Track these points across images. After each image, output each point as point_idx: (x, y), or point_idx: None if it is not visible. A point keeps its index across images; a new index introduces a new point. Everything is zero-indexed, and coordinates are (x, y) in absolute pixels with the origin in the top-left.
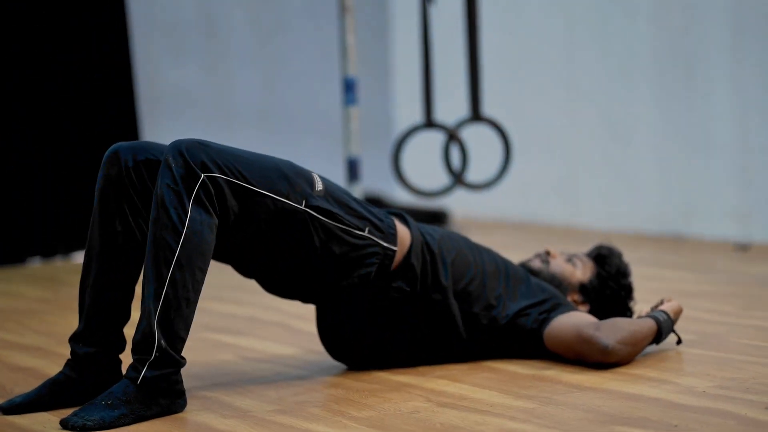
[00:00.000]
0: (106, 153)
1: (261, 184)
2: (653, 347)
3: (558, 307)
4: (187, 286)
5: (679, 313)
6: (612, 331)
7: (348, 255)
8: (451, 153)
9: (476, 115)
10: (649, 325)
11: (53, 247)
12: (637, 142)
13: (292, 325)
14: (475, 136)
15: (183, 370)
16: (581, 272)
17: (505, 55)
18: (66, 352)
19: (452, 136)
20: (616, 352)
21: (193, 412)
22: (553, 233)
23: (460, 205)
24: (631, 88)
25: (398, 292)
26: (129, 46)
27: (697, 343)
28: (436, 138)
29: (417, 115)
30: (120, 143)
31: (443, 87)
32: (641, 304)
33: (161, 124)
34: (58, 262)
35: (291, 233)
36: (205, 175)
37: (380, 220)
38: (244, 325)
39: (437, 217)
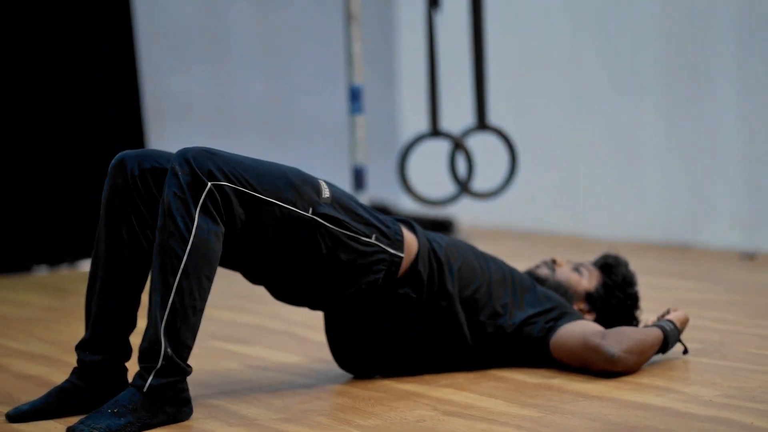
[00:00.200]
0: (112, 161)
1: (268, 191)
2: (659, 356)
3: (564, 316)
4: (193, 294)
5: (685, 322)
6: (618, 340)
7: (355, 262)
8: (457, 162)
9: (482, 123)
10: (656, 334)
11: (59, 256)
12: (643, 151)
13: (298, 334)
14: (481, 145)
15: (189, 378)
16: (587, 281)
17: (511, 63)
18: (72, 360)
19: (458, 144)
20: (623, 361)
21: (199, 420)
22: (558, 242)
23: (465, 214)
24: (636, 98)
25: (405, 298)
26: (134, 52)
27: (703, 352)
28: (442, 147)
29: (423, 124)
30: (126, 151)
31: (449, 95)
32: (647, 313)
33: (166, 131)
34: (64, 271)
35: (298, 240)
36: (212, 184)
37: (387, 226)
38: (251, 333)
39: (443, 226)
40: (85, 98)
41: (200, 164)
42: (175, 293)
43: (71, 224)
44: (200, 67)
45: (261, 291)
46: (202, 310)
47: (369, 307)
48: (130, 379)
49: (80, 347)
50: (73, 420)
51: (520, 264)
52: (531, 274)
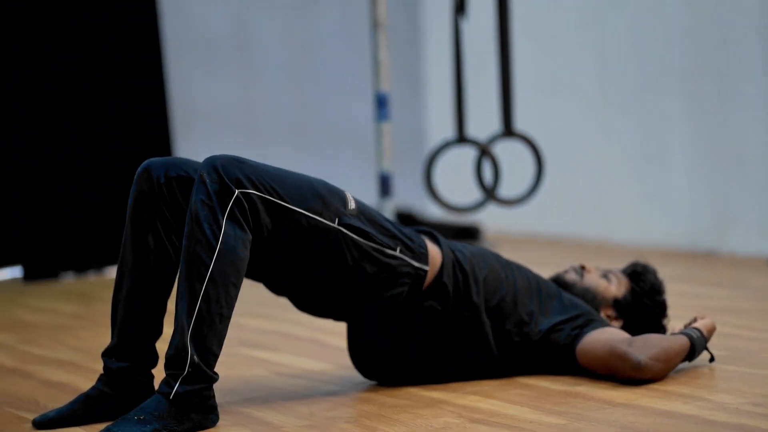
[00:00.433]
0: (139, 169)
1: (295, 201)
2: (686, 364)
3: (591, 323)
4: (220, 302)
5: (712, 330)
6: (645, 348)
7: (380, 274)
8: (484, 168)
9: (508, 130)
10: (682, 342)
11: (86, 262)
12: (670, 158)
13: (324, 341)
14: (508, 152)
15: (215, 385)
16: (616, 288)
17: (538, 69)
18: (98, 367)
19: (484, 151)
20: (649, 369)
21: (225, 427)
22: (585, 249)
23: (492, 221)
24: (663, 104)
25: (430, 311)
26: (162, 60)
27: (730, 359)
28: (468, 153)
29: (449, 131)
30: (152, 159)
31: (475, 102)
32: (674, 320)
33: (194, 140)
34: (91, 278)
35: (324, 250)
36: (240, 192)
37: (411, 240)
38: (277, 340)
39: (469, 233)
40: (113, 107)
41: (228, 172)
42: (201, 300)
43: (98, 231)
44: (228, 75)
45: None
46: (228, 318)
47: (394, 319)
48: (156, 385)
49: (106, 354)
50: (99, 427)
51: (547, 271)
52: (558, 280)
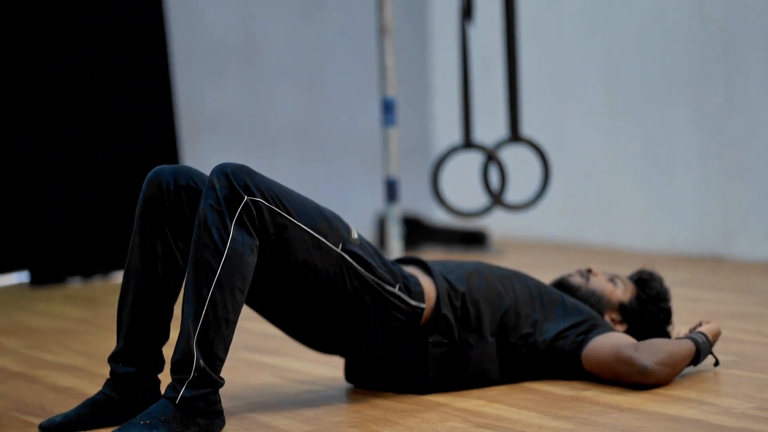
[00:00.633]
0: (149, 174)
1: (301, 218)
2: (691, 368)
3: (595, 328)
4: (227, 307)
5: (717, 335)
6: (651, 352)
7: (378, 307)
8: (490, 174)
9: (515, 135)
10: (688, 346)
11: (92, 267)
12: (677, 163)
13: None
14: (514, 157)
15: (221, 390)
16: (622, 292)
17: (545, 75)
18: (105, 371)
19: (491, 156)
20: (655, 374)
21: None
22: (592, 254)
23: (498, 226)
24: (670, 109)
25: (438, 346)
26: (168, 63)
27: (736, 364)
28: (475, 159)
29: (456, 136)
30: (162, 166)
31: (482, 107)
32: (680, 325)
33: (201, 144)
34: (98, 282)
35: (324, 271)
36: (249, 198)
37: (406, 277)
38: (283, 345)
39: (476, 238)
40: (118, 109)
41: (238, 179)
42: (208, 305)
43: (104, 235)
44: (235, 80)
45: None
46: (235, 323)
47: (396, 356)
48: (162, 390)
49: (113, 359)
50: None
51: (553, 276)
52: (563, 282)
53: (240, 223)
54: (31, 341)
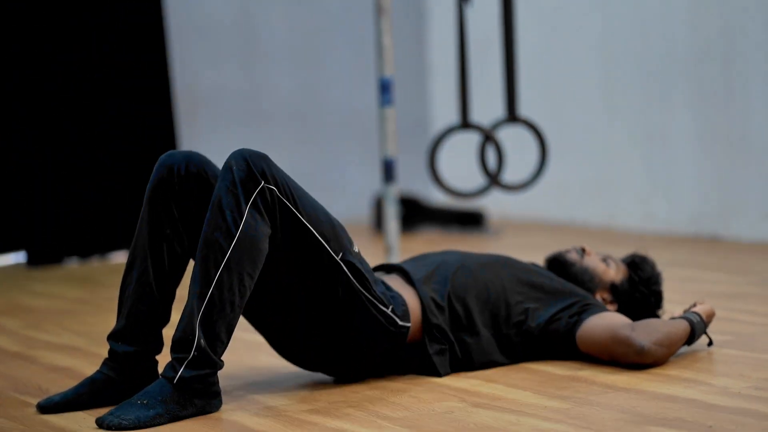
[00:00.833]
0: (161, 158)
1: (308, 217)
2: (685, 348)
3: (588, 308)
4: (233, 290)
5: (711, 315)
6: (647, 333)
7: (365, 325)
8: (487, 154)
9: (512, 115)
10: (683, 326)
11: (90, 248)
12: (674, 144)
13: None
14: (512, 137)
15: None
16: (614, 272)
17: (542, 55)
18: (103, 352)
19: (488, 136)
20: (652, 354)
21: (228, 412)
22: (589, 234)
23: (496, 206)
24: (667, 89)
25: (440, 353)
26: (166, 47)
27: (732, 344)
28: (472, 139)
29: (453, 116)
30: (175, 150)
31: (479, 87)
32: (676, 305)
33: (198, 124)
34: (95, 263)
35: (319, 276)
36: (266, 184)
37: (393, 297)
38: None
39: (473, 218)
40: (117, 92)
41: (256, 164)
42: (214, 286)
43: (102, 216)
44: (232, 61)
45: None
46: (240, 307)
47: (399, 370)
48: (161, 370)
49: (112, 337)
50: (103, 411)
51: None
52: (559, 258)
53: (255, 207)
54: (29, 321)
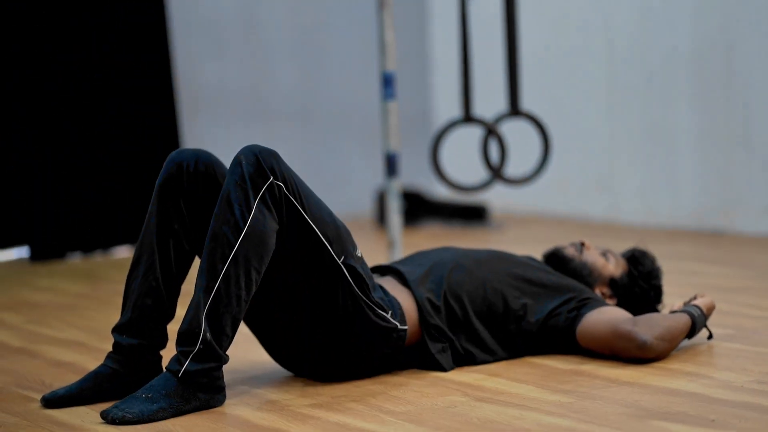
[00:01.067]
0: (171, 154)
1: (313, 216)
2: (686, 342)
3: (587, 303)
4: (239, 284)
5: (712, 308)
6: (650, 327)
7: (365, 331)
8: (490, 148)
9: (515, 109)
10: (685, 320)
11: (93, 242)
12: (677, 138)
13: None
14: (514, 131)
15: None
16: (614, 267)
17: (544, 48)
18: (105, 347)
19: (491, 130)
20: (654, 348)
21: (231, 406)
22: (592, 228)
23: (498, 200)
24: (670, 84)
25: (442, 351)
26: (168, 42)
27: (735, 338)
28: (475, 133)
29: (455, 110)
30: (185, 148)
31: (482, 82)
32: (677, 298)
33: (200, 119)
34: (98, 257)
35: (319, 278)
36: (274, 180)
37: (390, 301)
38: None
39: (476, 212)
40: (120, 89)
41: (266, 160)
42: (221, 280)
43: (105, 211)
44: (234, 55)
45: None
46: (246, 302)
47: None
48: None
49: (117, 330)
50: (107, 405)
51: None
52: (557, 253)
53: (263, 202)
54: (32, 316)
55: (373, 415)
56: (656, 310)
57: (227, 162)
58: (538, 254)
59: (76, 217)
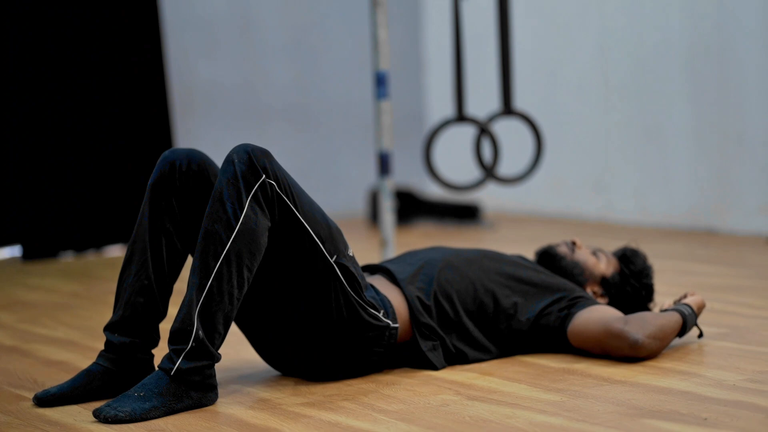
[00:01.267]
0: (164, 153)
1: (305, 215)
2: (677, 340)
3: (577, 302)
4: (232, 282)
5: (702, 307)
6: (641, 326)
7: (356, 329)
8: (483, 147)
9: (508, 108)
10: (676, 318)
11: (86, 242)
12: (670, 136)
13: None
14: (507, 130)
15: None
16: (605, 266)
17: (537, 48)
18: (98, 345)
19: (484, 129)
20: (646, 347)
21: (224, 405)
22: (585, 227)
23: (491, 199)
24: (663, 83)
25: (433, 348)
26: (161, 40)
27: (727, 336)
28: (468, 132)
29: (448, 109)
30: (177, 148)
31: (475, 81)
32: (669, 297)
33: (193, 118)
34: (91, 257)
35: (311, 278)
36: (266, 179)
37: (381, 300)
38: None
39: (469, 211)
40: (112, 85)
41: (258, 158)
42: (214, 278)
43: (97, 210)
44: (228, 54)
45: None
46: (239, 300)
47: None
48: (157, 363)
49: (109, 328)
50: (100, 404)
51: None
52: (549, 251)
53: (255, 201)
54: (24, 315)
55: (365, 413)
56: (648, 309)
57: (220, 161)
58: (530, 254)
59: (68, 216)
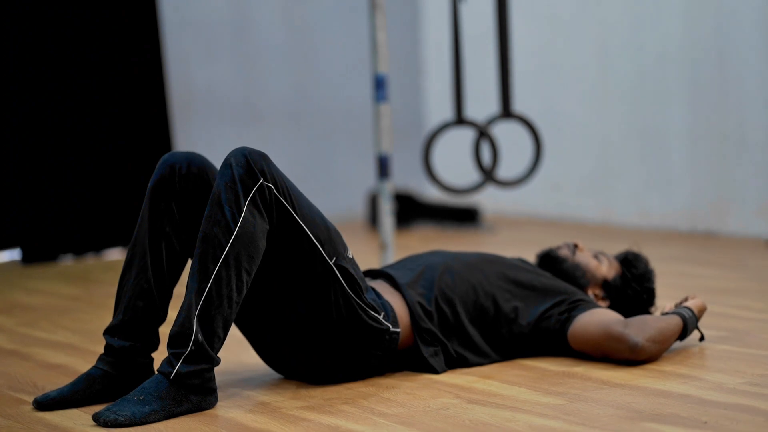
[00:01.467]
0: (163, 157)
1: (303, 218)
2: (678, 343)
3: (578, 305)
4: (231, 285)
5: (703, 310)
6: (641, 329)
7: (357, 332)
8: (482, 150)
9: (507, 111)
10: (676, 322)
11: (85, 245)
12: (669, 139)
13: None
14: (506, 133)
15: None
16: (606, 269)
17: (537, 51)
18: (98, 349)
19: (483, 132)
20: (646, 350)
21: (223, 408)
22: (584, 230)
23: (490, 202)
24: (662, 85)
25: (434, 354)
26: (160, 44)
27: (727, 339)
28: (467, 135)
29: (448, 112)
30: (177, 151)
31: (474, 84)
32: (669, 300)
33: (192, 122)
34: (90, 260)
35: (311, 280)
36: (264, 182)
37: (383, 304)
38: None
39: (468, 215)
40: (112, 86)
41: (256, 162)
42: (213, 282)
43: (97, 213)
44: (226, 57)
45: None
46: (238, 303)
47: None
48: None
49: (109, 332)
50: (99, 408)
51: None
52: (551, 254)
53: (253, 204)
54: (24, 319)
55: (365, 417)
56: (649, 313)
57: (218, 162)
58: (530, 257)
59: (68, 220)
